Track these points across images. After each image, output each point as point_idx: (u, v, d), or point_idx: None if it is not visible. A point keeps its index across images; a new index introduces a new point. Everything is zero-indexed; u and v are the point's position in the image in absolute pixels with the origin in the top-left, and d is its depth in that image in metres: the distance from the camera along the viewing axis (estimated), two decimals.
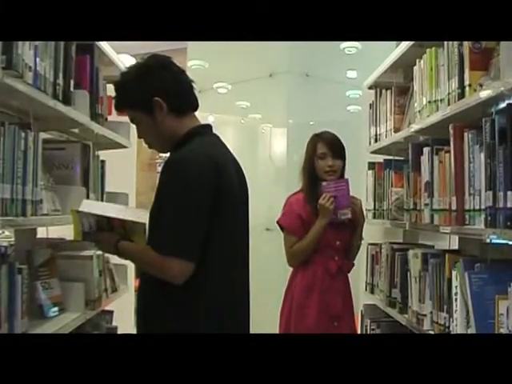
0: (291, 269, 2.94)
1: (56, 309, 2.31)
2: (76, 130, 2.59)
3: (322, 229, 2.75)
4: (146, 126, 1.89)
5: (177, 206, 1.73)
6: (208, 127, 1.98)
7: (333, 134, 2.88)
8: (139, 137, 1.97)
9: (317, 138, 2.88)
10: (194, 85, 1.94)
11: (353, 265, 2.96)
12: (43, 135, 2.13)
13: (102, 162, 2.82)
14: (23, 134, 1.80)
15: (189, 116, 1.93)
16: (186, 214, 1.73)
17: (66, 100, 2.15)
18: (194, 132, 1.90)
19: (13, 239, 2.61)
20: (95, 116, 2.61)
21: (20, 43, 1.72)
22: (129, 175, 4.08)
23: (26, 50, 1.77)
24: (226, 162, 1.87)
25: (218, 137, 1.98)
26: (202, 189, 1.75)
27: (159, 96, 1.83)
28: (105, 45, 2.78)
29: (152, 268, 1.79)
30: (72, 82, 2.22)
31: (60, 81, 2.10)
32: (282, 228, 2.88)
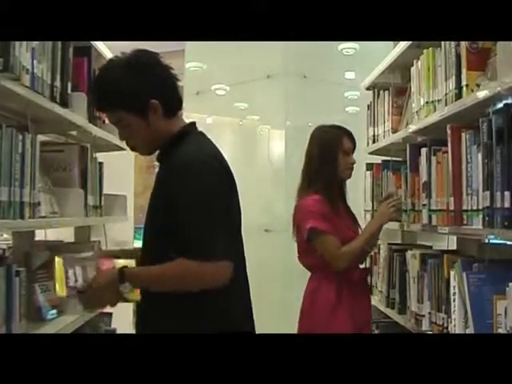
0: (290, 270, 2.90)
1: (54, 311, 2.31)
2: (74, 133, 2.59)
3: (378, 231, 2.59)
4: (136, 129, 1.77)
5: (205, 210, 1.66)
6: (194, 125, 1.90)
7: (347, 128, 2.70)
8: (122, 139, 1.84)
9: (340, 132, 2.66)
10: (178, 82, 1.84)
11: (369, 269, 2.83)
12: (41, 137, 2.13)
13: (100, 164, 2.82)
14: (21, 137, 1.80)
15: (177, 116, 1.85)
16: (215, 216, 1.68)
17: (64, 102, 2.15)
18: (185, 132, 1.83)
19: (11, 242, 2.61)
20: (93, 118, 2.61)
21: (17, 45, 1.72)
22: (127, 177, 4.09)
23: (23, 52, 1.77)
24: (226, 160, 1.83)
25: (205, 134, 1.90)
26: (220, 189, 1.72)
27: (156, 98, 1.74)
28: (102, 47, 2.78)
29: (192, 279, 1.67)
30: (69, 85, 2.22)
31: (57, 83, 2.10)
32: (311, 234, 2.52)
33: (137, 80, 1.72)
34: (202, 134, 1.89)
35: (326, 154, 2.62)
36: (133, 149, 1.86)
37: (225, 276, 1.65)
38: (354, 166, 2.68)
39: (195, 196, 1.66)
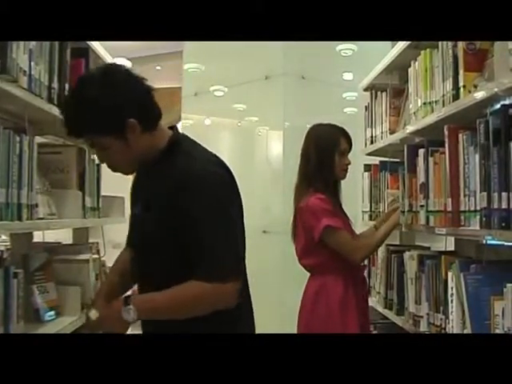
0: (290, 270, 2.89)
1: (52, 313, 2.31)
2: None
3: (391, 232, 2.60)
4: (115, 151, 1.66)
5: (221, 226, 1.61)
6: (178, 131, 1.80)
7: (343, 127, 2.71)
8: (101, 161, 1.74)
9: (338, 132, 2.67)
10: (153, 92, 1.71)
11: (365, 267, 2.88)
12: (39, 139, 2.13)
13: (98, 165, 2.81)
14: (18, 138, 1.80)
15: (158, 127, 1.73)
16: (230, 232, 1.64)
17: (62, 104, 2.15)
18: (175, 142, 1.73)
19: (9, 243, 2.61)
20: None
21: (14, 47, 1.72)
22: (124, 178, 4.07)
23: (20, 54, 1.77)
24: (227, 166, 1.77)
25: (194, 140, 1.81)
26: (233, 200, 1.69)
27: (132, 116, 1.62)
28: (100, 48, 2.78)
29: (204, 303, 1.62)
30: (67, 86, 2.22)
31: (55, 84, 2.10)
32: (325, 232, 2.52)
33: (110, 100, 1.59)
34: (190, 139, 1.81)
35: (323, 154, 2.63)
36: (114, 170, 1.76)
37: (234, 297, 1.62)
38: (349, 166, 2.69)
39: (210, 212, 1.61)
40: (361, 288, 2.69)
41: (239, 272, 1.65)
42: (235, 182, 1.77)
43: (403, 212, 2.52)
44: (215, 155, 1.77)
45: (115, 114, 1.60)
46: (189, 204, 1.60)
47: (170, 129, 1.79)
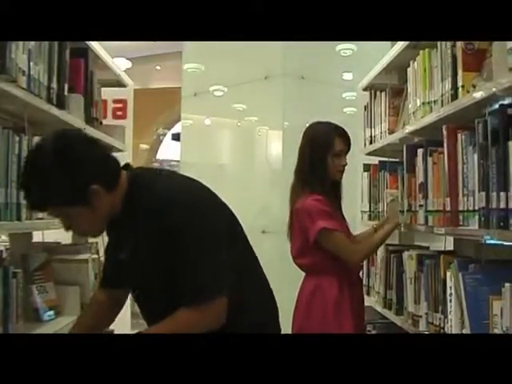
0: (289, 270, 2.89)
1: (52, 312, 2.31)
2: None
3: (390, 234, 2.59)
4: (82, 218, 1.60)
5: (192, 248, 1.58)
6: (131, 168, 1.75)
7: (342, 127, 2.64)
8: (68, 229, 1.67)
9: (333, 133, 2.59)
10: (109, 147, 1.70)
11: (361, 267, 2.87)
12: (38, 139, 2.13)
13: None
14: (17, 138, 1.81)
15: (119, 181, 1.66)
16: (208, 249, 1.60)
17: (61, 104, 2.16)
18: (132, 182, 1.67)
19: (8, 243, 2.62)
20: (90, 120, 2.61)
21: (13, 47, 1.72)
22: None
23: (19, 54, 1.78)
24: (196, 182, 1.74)
25: (156, 170, 1.79)
26: (207, 214, 1.65)
27: (95, 182, 1.55)
28: (99, 48, 2.79)
29: (191, 329, 1.59)
30: (66, 86, 2.23)
31: (54, 85, 2.11)
32: (321, 234, 2.49)
33: (70, 171, 1.52)
34: (146, 169, 1.81)
35: (316, 155, 2.58)
36: (84, 235, 1.72)
37: (221, 314, 1.60)
38: (349, 166, 2.66)
39: (181, 238, 1.57)
40: (356, 289, 2.66)
41: (222, 288, 1.60)
42: (211, 194, 1.73)
43: (402, 212, 2.52)
44: (179, 175, 1.75)
45: (77, 185, 1.54)
46: (158, 236, 1.59)
47: (124, 168, 1.72)
